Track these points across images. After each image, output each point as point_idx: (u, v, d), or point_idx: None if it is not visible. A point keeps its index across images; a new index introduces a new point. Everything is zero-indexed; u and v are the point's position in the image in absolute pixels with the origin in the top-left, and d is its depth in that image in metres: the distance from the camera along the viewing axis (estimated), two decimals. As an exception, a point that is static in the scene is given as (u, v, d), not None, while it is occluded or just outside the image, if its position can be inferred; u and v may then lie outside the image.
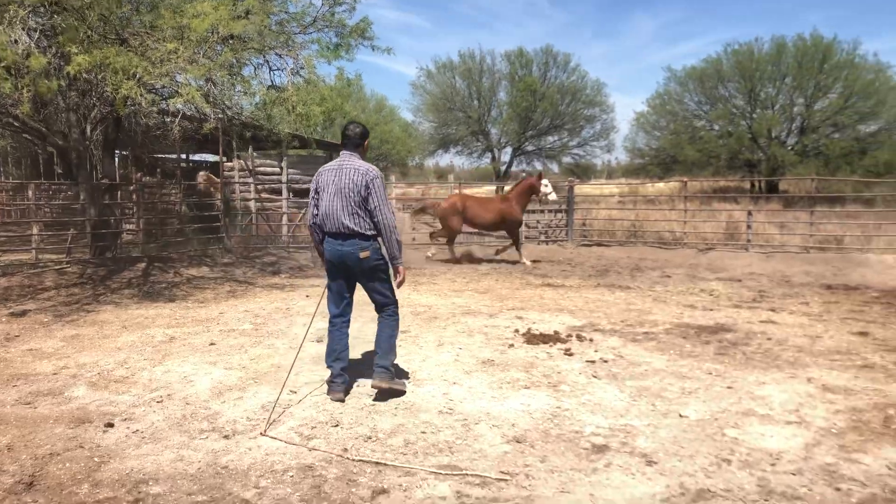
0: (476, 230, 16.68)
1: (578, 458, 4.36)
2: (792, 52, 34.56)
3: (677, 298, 10.40)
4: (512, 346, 7.28)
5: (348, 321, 5.62)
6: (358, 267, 5.35)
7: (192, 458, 4.34)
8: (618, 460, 4.30)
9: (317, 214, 5.42)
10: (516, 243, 15.32)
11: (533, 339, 7.51)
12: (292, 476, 4.08)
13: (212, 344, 7.42)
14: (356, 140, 5.45)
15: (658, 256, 15.80)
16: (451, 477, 4.05)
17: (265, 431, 4.76)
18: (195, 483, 3.99)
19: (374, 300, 5.57)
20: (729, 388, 5.79)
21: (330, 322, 5.58)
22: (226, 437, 4.71)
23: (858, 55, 34.04)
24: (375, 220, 5.25)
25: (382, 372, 5.45)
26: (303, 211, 19.82)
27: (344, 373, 5.52)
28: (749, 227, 17.06)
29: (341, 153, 5.45)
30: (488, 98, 44.21)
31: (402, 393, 5.56)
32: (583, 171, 46.48)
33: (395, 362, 5.86)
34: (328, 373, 5.61)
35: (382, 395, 5.47)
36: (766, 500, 3.75)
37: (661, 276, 13.10)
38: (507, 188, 19.07)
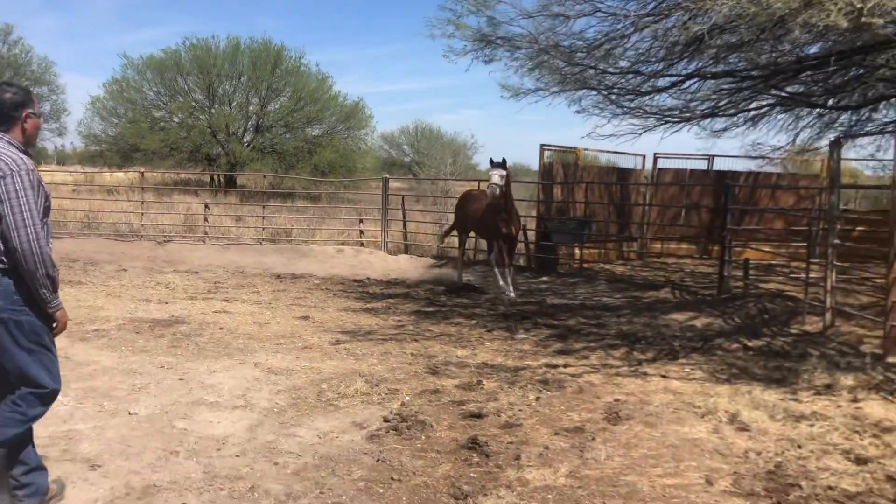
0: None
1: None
2: (247, 54, 36.45)
3: (133, 293, 10.10)
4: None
5: None
6: None
7: None
8: (57, 470, 3.99)
9: None
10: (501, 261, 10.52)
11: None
12: None
13: None
14: (6, 110, 3.38)
15: (115, 249, 15.11)
16: None
17: None
18: None
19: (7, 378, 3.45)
20: (181, 379, 5.85)
21: None
22: None
23: (304, 64, 37.65)
24: (8, 244, 3.28)
25: None
26: None
27: None
28: (207, 219, 17.45)
29: None
30: None
31: None
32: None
33: None
34: None
35: None
36: (210, 486, 3.89)
37: (118, 270, 12.57)
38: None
